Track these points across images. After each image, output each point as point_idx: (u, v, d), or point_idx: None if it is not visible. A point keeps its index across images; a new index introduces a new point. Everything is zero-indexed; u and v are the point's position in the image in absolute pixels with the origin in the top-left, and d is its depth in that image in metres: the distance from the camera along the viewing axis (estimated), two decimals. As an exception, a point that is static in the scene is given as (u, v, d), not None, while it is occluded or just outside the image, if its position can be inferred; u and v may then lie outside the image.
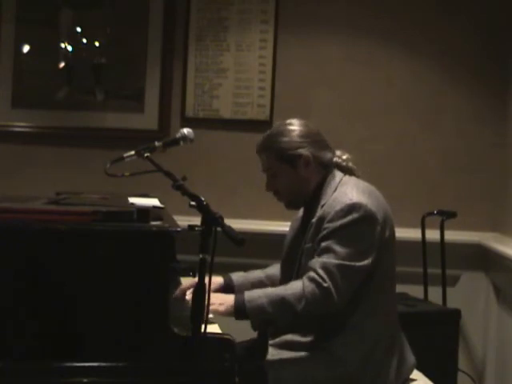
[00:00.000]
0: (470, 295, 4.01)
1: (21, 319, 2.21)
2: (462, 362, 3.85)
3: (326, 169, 2.62)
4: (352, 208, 2.45)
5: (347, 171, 2.64)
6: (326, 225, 2.47)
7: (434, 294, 3.80)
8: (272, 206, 4.01)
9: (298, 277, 2.53)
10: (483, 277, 4.03)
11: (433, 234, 3.82)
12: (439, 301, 3.81)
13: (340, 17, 4.05)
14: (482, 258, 4.00)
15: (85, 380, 2.19)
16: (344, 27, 4.06)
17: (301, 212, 2.76)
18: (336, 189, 2.56)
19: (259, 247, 3.68)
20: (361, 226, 2.45)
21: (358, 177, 2.66)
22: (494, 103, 4.02)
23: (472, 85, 4.05)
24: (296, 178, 2.60)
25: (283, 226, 3.83)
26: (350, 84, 4.07)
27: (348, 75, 4.07)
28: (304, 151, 2.58)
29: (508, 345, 3.70)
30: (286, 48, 4.07)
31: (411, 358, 2.61)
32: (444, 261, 3.81)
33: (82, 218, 2.28)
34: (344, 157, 2.67)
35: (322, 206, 2.53)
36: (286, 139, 2.59)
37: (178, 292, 2.63)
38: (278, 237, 3.56)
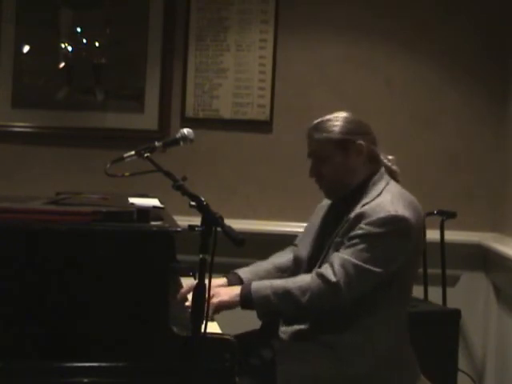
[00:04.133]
0: (470, 295, 4.01)
1: (20, 319, 2.21)
2: (462, 362, 3.85)
3: (375, 165, 2.59)
4: (395, 220, 2.42)
5: (391, 173, 2.62)
6: (362, 225, 2.44)
7: (434, 294, 3.80)
8: (272, 206, 4.03)
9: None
10: (483, 277, 4.02)
11: (433, 234, 3.82)
12: (439, 301, 3.80)
13: (340, 17, 4.05)
14: (482, 258, 4.00)
15: (85, 380, 2.19)
16: (344, 27, 4.05)
17: (324, 202, 2.73)
18: (381, 193, 2.51)
19: (259, 247, 3.67)
20: (395, 239, 2.43)
21: (398, 181, 2.63)
22: (494, 103, 4.02)
23: (472, 85, 4.05)
24: (345, 165, 2.56)
25: (283, 226, 3.85)
26: (349, 84, 4.07)
27: (348, 75, 4.07)
28: (359, 139, 2.56)
29: (508, 345, 3.70)
30: (286, 48, 4.07)
31: (418, 371, 2.61)
32: (444, 261, 3.81)
33: (82, 218, 2.28)
34: (390, 157, 2.65)
35: (363, 205, 2.49)
36: (342, 124, 2.56)
37: (179, 296, 2.63)
38: (278, 237, 3.58)
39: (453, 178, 4.05)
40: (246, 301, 2.46)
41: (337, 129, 2.56)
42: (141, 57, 4.09)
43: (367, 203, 2.49)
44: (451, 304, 3.78)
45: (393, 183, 2.58)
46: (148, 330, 2.24)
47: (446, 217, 3.81)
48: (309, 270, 2.57)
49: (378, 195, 2.51)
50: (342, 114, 2.61)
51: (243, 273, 2.76)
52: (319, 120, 2.62)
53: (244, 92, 4.07)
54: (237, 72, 4.08)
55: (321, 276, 2.42)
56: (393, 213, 2.43)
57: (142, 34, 4.08)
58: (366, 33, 4.04)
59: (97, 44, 4.12)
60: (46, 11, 4.11)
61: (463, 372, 3.82)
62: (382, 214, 2.43)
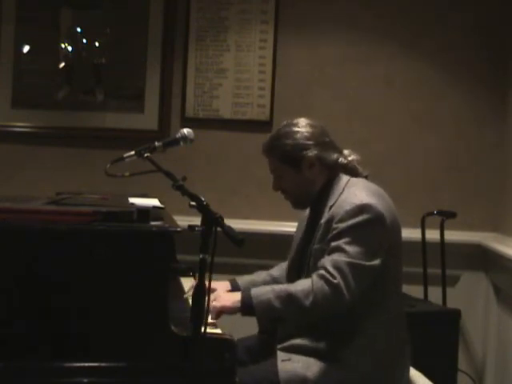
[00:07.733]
0: (470, 295, 4.01)
1: (20, 319, 2.21)
2: (462, 362, 3.85)
3: (331, 170, 2.61)
4: (362, 209, 2.44)
5: (352, 172, 2.63)
6: (335, 225, 2.46)
7: (434, 294, 3.80)
8: (272, 206, 4.02)
9: (307, 278, 2.50)
10: (483, 277, 4.02)
11: (433, 234, 3.82)
12: (439, 301, 3.81)
13: (340, 17, 4.05)
14: (482, 258, 4.00)
15: (85, 380, 2.19)
16: (344, 27, 4.06)
17: (306, 212, 2.75)
18: (343, 190, 2.55)
19: (259, 247, 3.68)
20: (370, 227, 2.44)
21: (365, 177, 2.65)
22: (493, 103, 4.02)
23: (472, 85, 4.05)
24: (300, 179, 2.60)
25: (284, 226, 3.85)
26: (349, 84, 4.07)
27: (348, 75, 4.07)
28: (308, 153, 2.57)
29: (508, 345, 3.70)
30: (286, 48, 4.07)
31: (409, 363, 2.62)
32: (444, 261, 3.81)
33: (82, 218, 2.28)
34: (350, 158, 2.65)
35: (330, 208, 2.52)
36: (289, 141, 2.58)
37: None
38: (278, 237, 3.57)
39: (453, 178, 4.05)
40: (247, 307, 2.44)
41: (286, 148, 2.58)
42: (141, 57, 4.09)
43: (333, 204, 2.53)
44: (451, 304, 3.78)
45: (354, 179, 2.61)
46: (148, 329, 2.24)
47: (445, 217, 3.81)
48: (294, 278, 2.57)
49: (341, 193, 2.55)
50: (293, 128, 2.60)
51: (242, 280, 2.78)
52: (272, 136, 2.64)
53: (244, 92, 4.07)
54: (237, 72, 4.08)
55: (322, 278, 2.41)
56: (358, 203, 2.45)
57: (141, 34, 4.09)
58: (366, 33, 4.04)
59: (97, 44, 4.12)
60: (46, 11, 4.11)
61: (463, 372, 3.82)
62: (348, 207, 2.46)
